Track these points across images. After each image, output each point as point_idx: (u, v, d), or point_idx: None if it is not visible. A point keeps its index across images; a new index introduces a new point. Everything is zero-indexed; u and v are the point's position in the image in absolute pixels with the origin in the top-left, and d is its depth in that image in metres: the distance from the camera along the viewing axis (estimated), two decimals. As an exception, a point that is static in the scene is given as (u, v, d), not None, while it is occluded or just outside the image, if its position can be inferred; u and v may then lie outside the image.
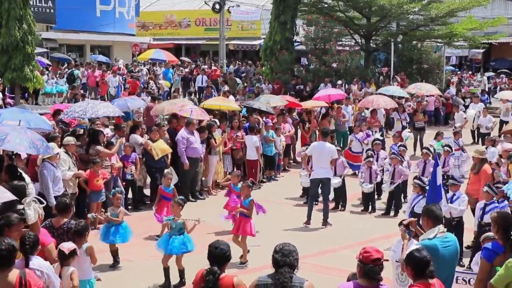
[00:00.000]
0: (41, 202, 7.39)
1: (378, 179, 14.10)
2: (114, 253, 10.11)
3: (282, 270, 5.21)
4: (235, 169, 16.44)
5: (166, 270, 9.12)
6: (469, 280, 7.40)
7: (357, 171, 16.05)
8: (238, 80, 31.80)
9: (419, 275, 5.37)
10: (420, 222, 6.85)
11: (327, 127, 18.57)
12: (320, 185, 12.72)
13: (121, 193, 10.74)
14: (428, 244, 5.95)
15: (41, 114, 14.45)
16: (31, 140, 9.59)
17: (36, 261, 6.17)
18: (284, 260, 5.27)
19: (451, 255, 6.25)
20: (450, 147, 14.92)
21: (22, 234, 6.36)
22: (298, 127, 18.99)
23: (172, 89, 30.53)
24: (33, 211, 6.95)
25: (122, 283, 9.47)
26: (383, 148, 18.61)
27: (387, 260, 5.46)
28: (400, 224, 7.03)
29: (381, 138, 17.15)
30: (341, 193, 14.10)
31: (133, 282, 9.49)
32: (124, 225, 10.06)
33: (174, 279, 9.28)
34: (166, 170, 13.99)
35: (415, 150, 20.02)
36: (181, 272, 9.18)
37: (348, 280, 5.98)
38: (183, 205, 9.44)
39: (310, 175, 13.14)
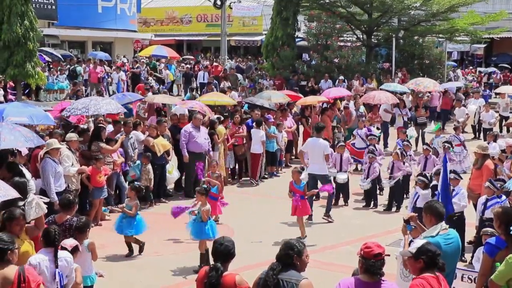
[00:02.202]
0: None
1: (375, 175, 14.01)
2: (128, 244, 10.39)
3: (271, 264, 5.25)
4: (237, 165, 16.47)
5: (203, 255, 9.48)
6: (475, 279, 7.34)
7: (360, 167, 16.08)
8: (239, 76, 31.77)
9: (428, 268, 5.36)
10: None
11: (329, 123, 18.62)
12: (318, 181, 12.74)
13: (136, 188, 10.74)
14: (431, 242, 5.95)
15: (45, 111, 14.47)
16: (24, 134, 9.76)
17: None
18: (277, 255, 5.34)
19: (453, 251, 6.26)
20: (450, 143, 14.88)
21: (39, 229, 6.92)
22: (300, 123, 18.95)
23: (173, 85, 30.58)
24: (34, 209, 7.01)
25: (124, 278, 9.50)
26: (386, 144, 18.65)
27: (389, 255, 5.43)
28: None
29: (377, 133, 17.16)
30: (344, 189, 14.10)
31: (135, 277, 9.52)
32: (138, 218, 10.37)
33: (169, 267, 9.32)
34: (168, 165, 14.07)
35: (416, 145, 19.99)
36: (202, 256, 9.44)
37: (353, 275, 5.98)
38: (206, 194, 9.81)
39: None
